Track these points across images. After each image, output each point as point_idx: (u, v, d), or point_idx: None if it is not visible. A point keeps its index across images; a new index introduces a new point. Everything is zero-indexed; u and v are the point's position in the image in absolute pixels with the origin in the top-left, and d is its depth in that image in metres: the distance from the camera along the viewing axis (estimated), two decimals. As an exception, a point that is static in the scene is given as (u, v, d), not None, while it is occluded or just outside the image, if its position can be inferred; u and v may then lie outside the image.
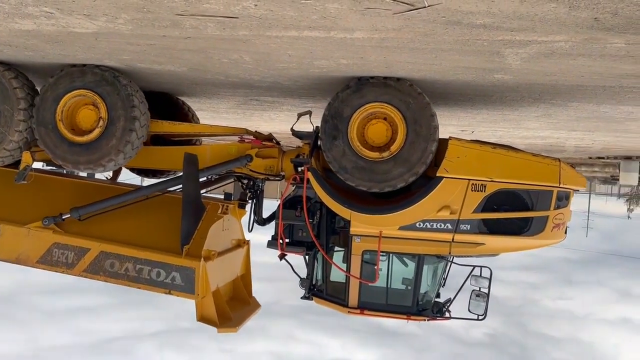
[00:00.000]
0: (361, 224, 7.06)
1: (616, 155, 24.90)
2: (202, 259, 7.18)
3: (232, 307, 7.89)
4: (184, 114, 9.60)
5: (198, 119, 10.04)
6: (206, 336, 41.33)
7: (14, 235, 7.65)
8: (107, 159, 7.02)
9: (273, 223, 7.95)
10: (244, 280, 8.63)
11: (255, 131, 8.28)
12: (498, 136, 15.46)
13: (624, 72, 5.73)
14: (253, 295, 8.66)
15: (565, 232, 7.32)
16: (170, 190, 7.86)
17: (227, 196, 7.89)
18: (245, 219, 8.32)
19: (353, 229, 7.13)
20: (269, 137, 8.16)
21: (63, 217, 7.63)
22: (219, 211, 7.68)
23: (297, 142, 8.20)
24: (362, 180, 6.81)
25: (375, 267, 7.21)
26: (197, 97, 9.83)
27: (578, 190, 7.26)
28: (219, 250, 7.66)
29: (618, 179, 26.98)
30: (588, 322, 46.41)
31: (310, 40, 5.06)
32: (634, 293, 51.63)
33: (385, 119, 6.78)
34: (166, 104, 9.22)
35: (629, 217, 53.74)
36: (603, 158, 25.17)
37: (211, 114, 12.62)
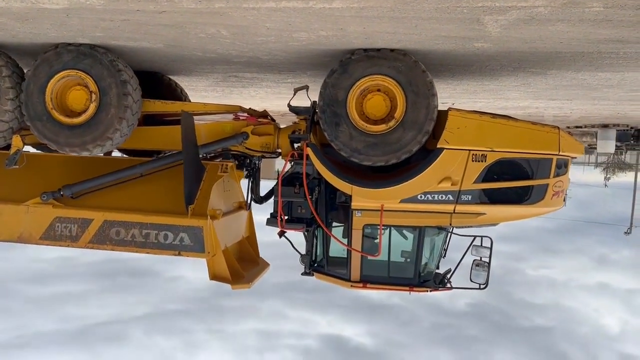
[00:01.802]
0: (363, 198, 7.04)
1: (593, 124, 25.26)
2: (209, 217, 7.18)
3: (242, 267, 7.93)
4: (175, 93, 9.42)
5: (189, 97, 9.88)
6: (194, 318, 41.59)
7: (13, 214, 7.52)
8: (112, 129, 6.84)
9: (270, 201, 7.90)
10: (250, 241, 8.68)
11: (250, 108, 8.17)
12: (478, 107, 15.53)
13: (602, 38, 5.75)
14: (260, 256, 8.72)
15: (564, 200, 7.36)
16: (163, 168, 7.74)
17: (226, 155, 7.82)
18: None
19: (355, 204, 7.11)
20: (264, 114, 8.06)
21: (61, 192, 7.51)
22: (219, 170, 7.67)
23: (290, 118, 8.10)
24: (377, 156, 6.75)
25: (378, 240, 7.21)
26: (174, 75, 9.65)
27: (576, 157, 7.31)
28: (223, 210, 7.65)
29: (595, 148, 27.44)
30: (568, 288, 47.64)
31: (288, 11, 4.97)
32: (611, 259, 53.03)
33: (379, 90, 6.71)
34: (156, 83, 9.02)
35: (605, 185, 54.85)
36: (581, 127, 25.51)
37: (189, 93, 12.43)
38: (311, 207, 7.33)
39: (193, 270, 45.09)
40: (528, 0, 4.56)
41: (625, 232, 41.67)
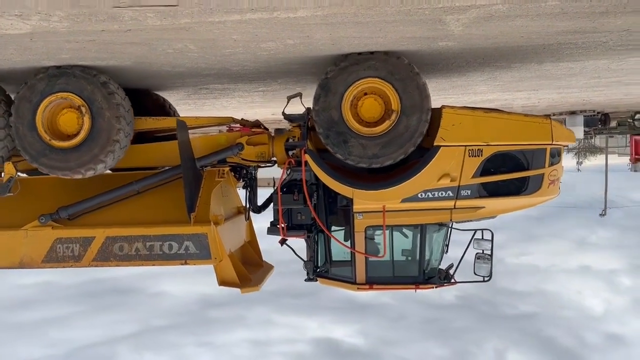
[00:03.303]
0: (364, 200, 7.08)
1: (561, 111, 25.86)
2: (212, 223, 7.18)
3: (248, 270, 7.94)
4: (164, 109, 9.40)
5: (178, 112, 9.83)
6: (182, 332, 41.16)
7: (12, 240, 7.41)
8: (105, 152, 6.77)
9: (268, 210, 7.92)
10: (252, 245, 8.69)
11: (242, 119, 8.17)
12: (449, 103, 15.77)
13: (560, 30, 5.94)
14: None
15: (559, 188, 7.51)
16: (160, 184, 7.71)
17: (221, 161, 7.82)
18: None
19: (356, 206, 7.14)
20: (257, 124, 8.06)
21: (59, 213, 7.42)
22: (217, 176, 7.68)
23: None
24: (396, 150, 6.77)
25: (382, 241, 7.26)
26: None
27: (568, 146, 7.46)
28: (224, 215, 7.67)
29: (565, 134, 28.01)
30: (551, 273, 48.51)
31: (254, 22, 5.02)
32: (589, 241, 54.20)
33: (366, 94, 6.76)
34: (143, 99, 8.96)
35: (578, 169, 56.13)
36: (549, 115, 26.06)
37: (161, 108, 12.37)
38: (313, 212, 7.35)
39: (176, 284, 44.70)
40: (486, -2, 4.69)
41: (600, 214, 42.72)
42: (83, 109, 6.71)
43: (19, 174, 7.59)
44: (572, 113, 26.13)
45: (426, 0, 4.63)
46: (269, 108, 15.59)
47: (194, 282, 44.33)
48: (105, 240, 7.29)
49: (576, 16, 5.36)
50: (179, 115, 9.64)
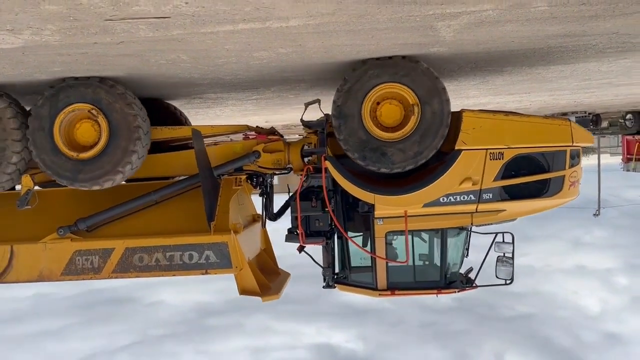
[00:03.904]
0: (386, 205, 7.07)
1: (553, 113, 26.01)
2: (232, 232, 7.15)
3: (266, 278, 7.91)
4: (176, 117, 9.38)
5: (190, 121, 9.82)
6: (180, 341, 40.91)
7: (31, 253, 7.35)
8: (123, 163, 6.76)
9: (284, 217, 7.92)
10: (267, 252, 8.67)
11: (257, 126, 8.15)
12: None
13: (550, 34, 5.99)
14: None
15: (579, 189, 7.51)
16: (178, 194, 7.69)
17: (238, 169, 7.80)
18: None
19: (378, 212, 7.12)
20: (272, 131, 8.05)
21: (78, 225, 7.38)
22: (234, 184, 7.65)
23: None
24: (431, 143, 6.68)
25: (403, 246, 7.23)
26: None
27: (587, 147, 7.49)
28: (242, 223, 7.65)
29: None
30: (546, 273, 48.59)
31: (246, 32, 5.04)
32: (584, 241, 54.39)
33: (378, 103, 6.72)
34: (157, 109, 8.94)
35: (571, 170, 56.34)
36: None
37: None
38: (335, 219, 7.33)
39: (172, 294, 44.47)
40: (476, 5, 4.73)
41: (594, 214, 42.88)
42: (101, 120, 6.69)
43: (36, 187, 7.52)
44: (564, 114, 26.30)
45: (417, 8, 4.67)
46: (262, 116, 15.60)
47: (190, 290, 44.20)
48: (124, 251, 7.24)
49: (566, 20, 5.41)
50: (190, 124, 9.63)
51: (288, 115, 15.45)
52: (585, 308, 44.33)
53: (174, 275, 7.27)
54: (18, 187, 7.63)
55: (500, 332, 41.12)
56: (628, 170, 30.23)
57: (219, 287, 43.75)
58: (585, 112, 26.52)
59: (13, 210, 7.40)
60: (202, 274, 7.23)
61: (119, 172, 6.82)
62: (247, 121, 15.81)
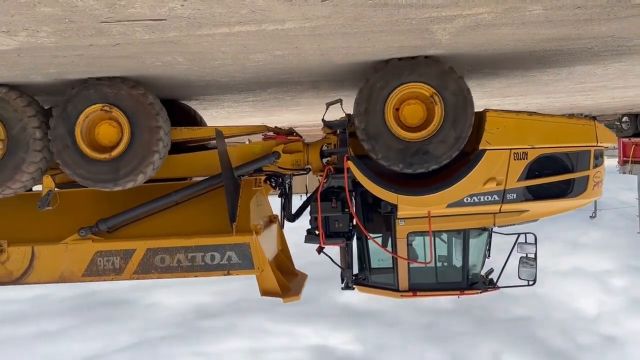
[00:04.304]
0: (409, 206, 7.03)
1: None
2: (254, 232, 7.15)
3: (285, 279, 7.92)
4: (190, 116, 9.37)
5: (205, 121, 9.84)
6: (178, 342, 40.82)
7: (52, 254, 7.36)
8: (145, 164, 6.74)
9: (301, 218, 7.93)
10: (284, 253, 8.67)
11: (275, 127, 8.14)
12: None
13: (545, 37, 6.01)
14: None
15: (602, 189, 7.50)
16: (199, 194, 7.69)
17: (257, 170, 7.81)
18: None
19: (401, 213, 7.09)
20: (291, 132, 8.04)
21: (99, 225, 7.37)
22: (254, 185, 7.67)
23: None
24: (463, 126, 6.60)
25: (425, 247, 7.23)
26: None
27: (609, 147, 7.48)
28: (262, 224, 7.68)
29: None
30: (543, 275, 48.63)
31: (242, 35, 5.04)
32: (580, 243, 54.48)
33: (397, 109, 6.65)
34: (173, 109, 8.86)
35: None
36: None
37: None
38: (357, 220, 7.32)
39: (170, 295, 44.38)
40: (472, 8, 4.74)
41: (591, 216, 42.99)
42: (122, 120, 6.67)
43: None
44: (560, 117, 26.36)
45: (413, 11, 4.68)
46: (258, 117, 15.61)
47: (187, 292, 44.13)
48: (146, 252, 7.25)
49: (561, 24, 5.43)
50: (206, 124, 9.65)
51: (284, 117, 15.46)
52: (582, 310, 44.44)
53: (195, 276, 7.29)
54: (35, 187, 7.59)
55: (497, 334, 41.19)
56: (624, 173, 30.31)
57: (216, 288, 43.80)
58: (581, 114, 26.63)
59: (34, 211, 7.37)
60: (224, 274, 7.25)
61: (141, 172, 6.79)
62: (243, 123, 15.80)
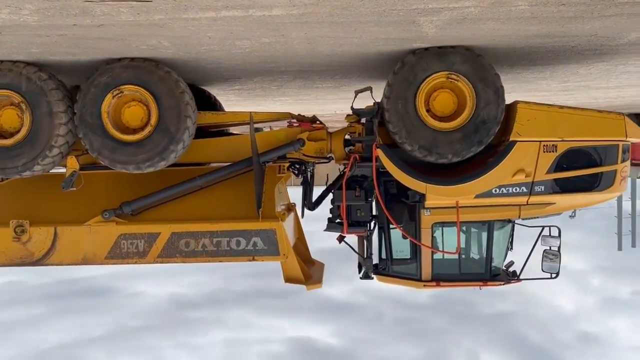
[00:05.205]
0: (437, 196, 7.02)
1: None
2: (280, 219, 7.13)
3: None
4: (210, 102, 9.27)
5: (223, 107, 9.72)
6: (159, 333, 40.65)
7: (75, 235, 7.28)
8: (168, 151, 6.68)
9: (322, 207, 7.86)
10: (301, 242, 8.65)
11: (299, 114, 8.08)
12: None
13: (530, 33, 6.08)
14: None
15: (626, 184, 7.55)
16: (223, 179, 7.62)
17: (281, 157, 7.74)
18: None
19: (428, 202, 7.09)
20: (314, 119, 7.98)
21: (123, 208, 7.30)
22: (277, 172, 7.63)
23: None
24: (497, 105, 6.62)
25: (453, 238, 7.21)
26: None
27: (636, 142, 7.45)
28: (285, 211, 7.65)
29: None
30: (524, 272, 49.29)
31: (229, 20, 5.01)
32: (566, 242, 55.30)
33: (435, 91, 6.67)
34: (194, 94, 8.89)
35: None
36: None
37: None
38: (385, 209, 7.27)
39: (154, 285, 44.11)
40: (458, 1, 4.78)
41: (570, 216, 43.63)
42: (150, 102, 6.60)
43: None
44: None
45: (400, 2, 4.70)
46: (246, 107, 15.51)
47: (170, 283, 43.92)
48: (170, 236, 7.21)
49: (545, 20, 5.50)
50: (224, 110, 9.54)
51: (270, 107, 15.40)
52: (561, 307, 45.21)
53: (220, 261, 7.27)
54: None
55: (477, 330, 41.71)
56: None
57: (197, 280, 43.65)
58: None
59: (55, 192, 7.29)
60: (249, 260, 7.24)
61: (170, 154, 6.74)
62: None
